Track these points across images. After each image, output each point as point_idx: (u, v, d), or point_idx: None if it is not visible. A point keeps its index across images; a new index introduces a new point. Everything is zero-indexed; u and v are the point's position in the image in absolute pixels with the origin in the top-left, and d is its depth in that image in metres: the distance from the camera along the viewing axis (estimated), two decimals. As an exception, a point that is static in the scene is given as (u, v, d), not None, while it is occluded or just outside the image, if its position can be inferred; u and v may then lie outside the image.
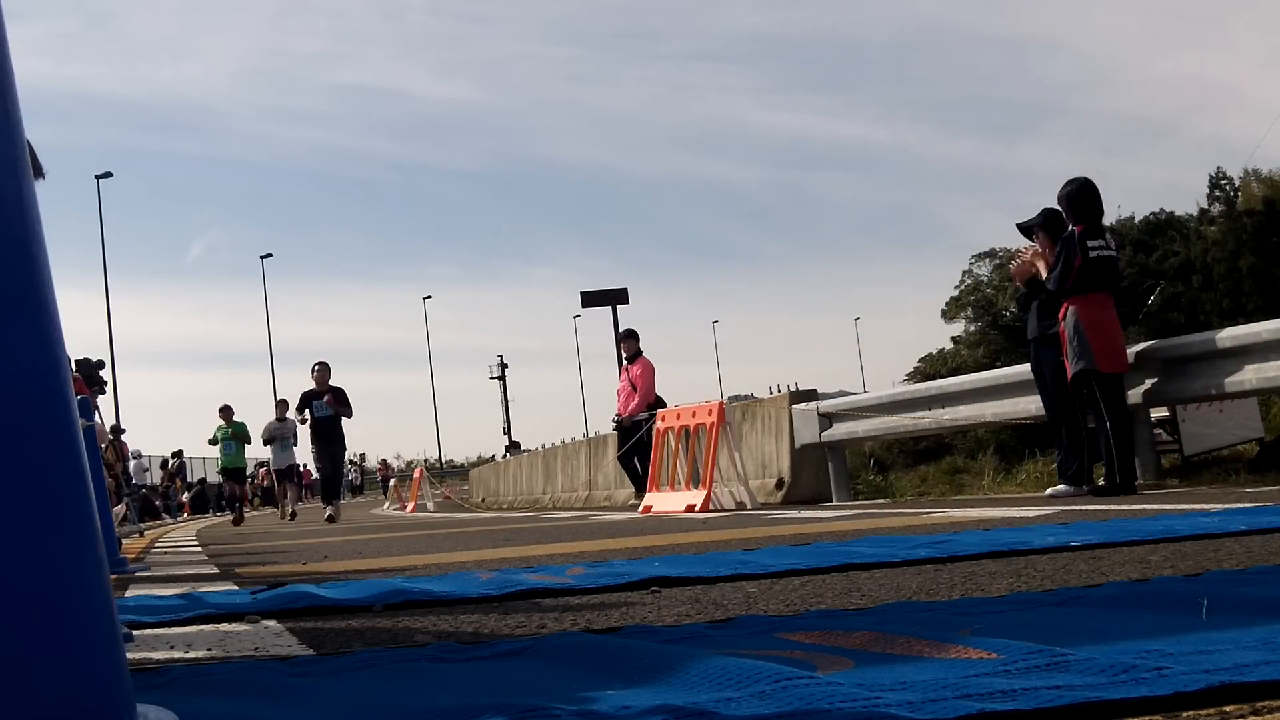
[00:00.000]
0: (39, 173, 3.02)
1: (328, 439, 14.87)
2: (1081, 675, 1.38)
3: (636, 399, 12.25)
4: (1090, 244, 6.87)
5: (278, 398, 19.34)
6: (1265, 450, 8.16)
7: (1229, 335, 6.91)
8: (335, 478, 15.47)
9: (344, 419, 15.02)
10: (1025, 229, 7.47)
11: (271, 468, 19.81)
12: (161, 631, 2.70)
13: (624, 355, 12.97)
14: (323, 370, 14.88)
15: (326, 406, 14.65)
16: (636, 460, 11.92)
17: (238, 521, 17.68)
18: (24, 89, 1.15)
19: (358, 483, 52.45)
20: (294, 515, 18.61)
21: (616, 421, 12.84)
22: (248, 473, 28.71)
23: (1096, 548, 3.27)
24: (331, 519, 14.26)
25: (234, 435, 18.55)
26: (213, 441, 18.83)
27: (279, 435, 18.52)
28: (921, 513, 6.34)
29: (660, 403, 12.15)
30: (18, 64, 1.16)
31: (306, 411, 14.81)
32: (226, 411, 18.81)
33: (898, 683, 1.42)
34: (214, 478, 40.23)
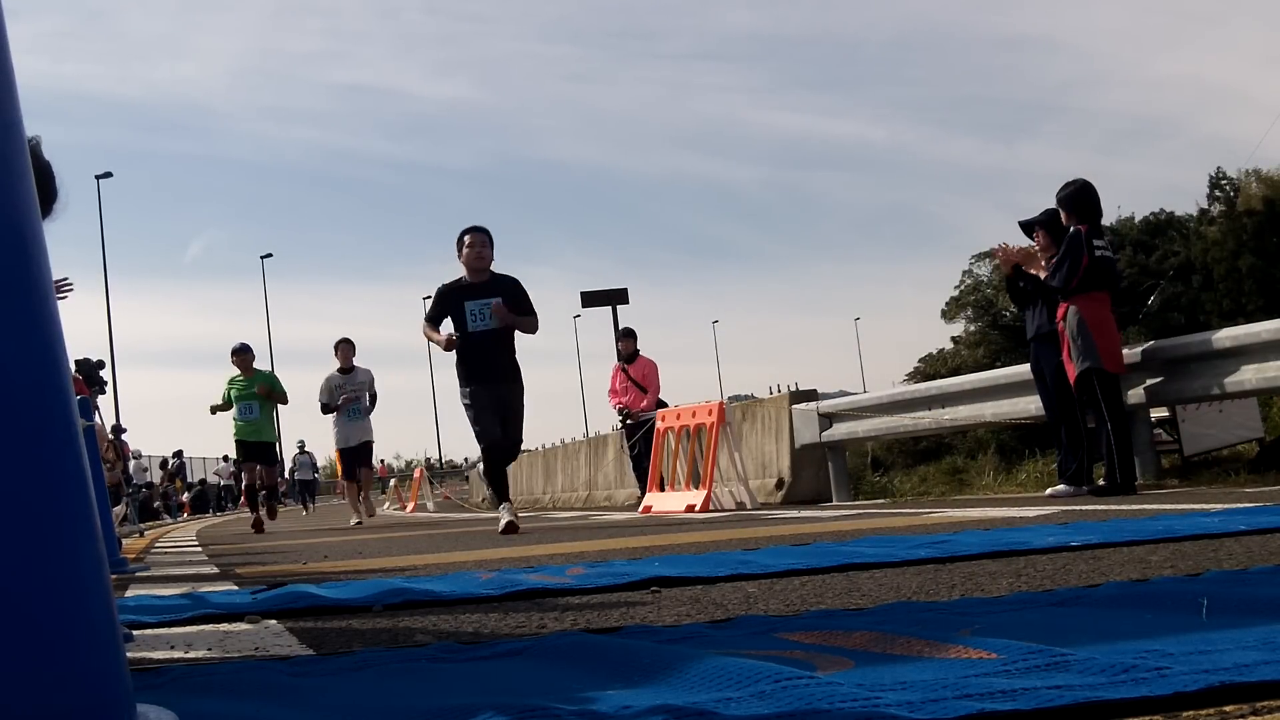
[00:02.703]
0: (52, 200, 2.96)
1: (498, 374, 7.52)
2: (1081, 675, 1.38)
3: (649, 397, 12.28)
4: (1095, 243, 6.88)
5: (340, 339, 12.72)
6: (1265, 450, 8.16)
7: (1229, 335, 6.91)
8: (512, 449, 7.82)
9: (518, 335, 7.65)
10: (1027, 226, 7.47)
11: (336, 446, 12.84)
12: (161, 631, 2.70)
13: (622, 354, 12.82)
14: (482, 242, 7.59)
15: (493, 313, 7.44)
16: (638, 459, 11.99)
17: (259, 523, 12.22)
18: (20, 88, 1.15)
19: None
20: (368, 516, 12.75)
21: (625, 413, 12.53)
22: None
23: (1096, 548, 3.27)
24: (511, 527, 7.22)
25: (259, 390, 12.09)
26: (222, 405, 12.13)
27: (346, 394, 12.41)
28: (921, 513, 6.34)
29: (660, 403, 12.20)
30: (14, 62, 1.16)
31: (445, 326, 7.55)
32: (243, 355, 12.17)
33: (898, 683, 1.42)
34: (214, 477, 40.10)
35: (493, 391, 7.56)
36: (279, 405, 12.74)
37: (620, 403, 12.52)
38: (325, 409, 12.55)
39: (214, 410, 12.21)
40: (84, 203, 38.54)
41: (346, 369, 12.60)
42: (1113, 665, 1.40)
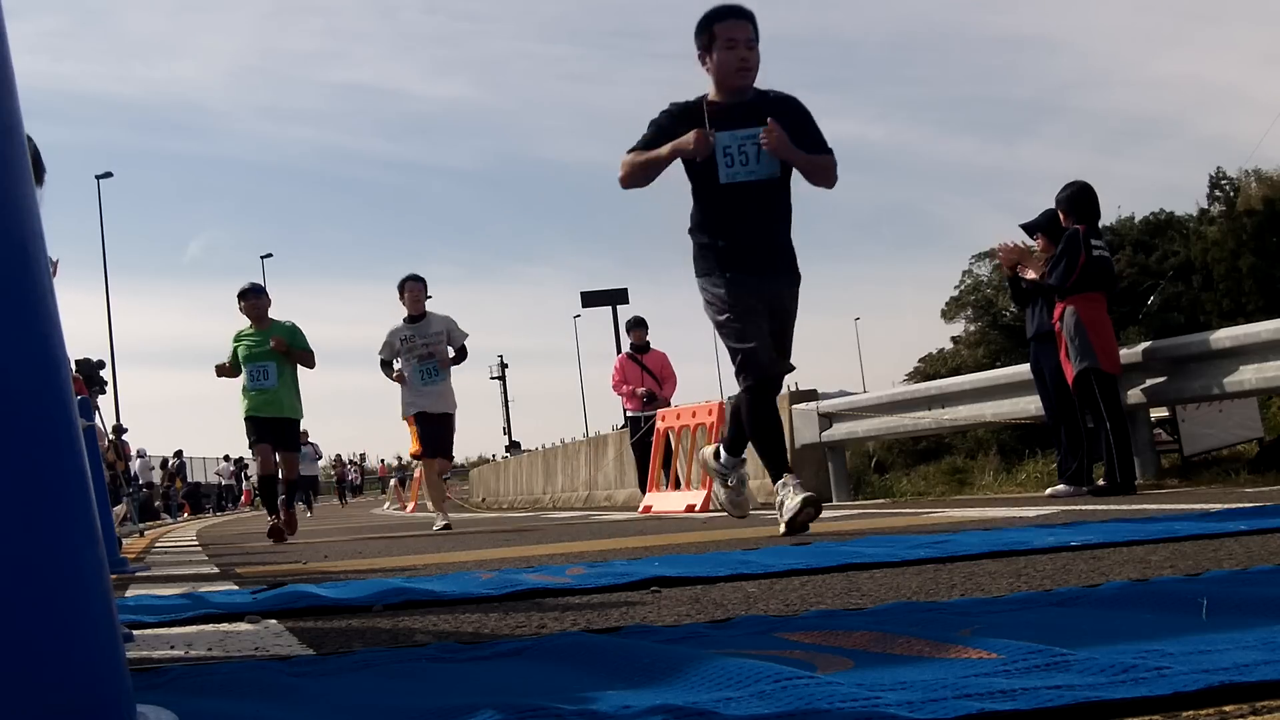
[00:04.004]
0: (40, 173, 3.02)
1: (770, 256, 4.83)
2: (1081, 675, 1.38)
3: (667, 389, 11.93)
4: (1092, 243, 6.89)
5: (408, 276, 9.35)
6: (1265, 450, 8.16)
7: (1229, 335, 6.91)
8: (779, 380, 5.08)
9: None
10: (1029, 229, 7.48)
11: (406, 414, 9.43)
12: (161, 631, 2.70)
13: (634, 344, 12.12)
14: (749, 38, 4.69)
15: (763, 142, 4.58)
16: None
17: (278, 531, 8.78)
18: (19, 87, 1.15)
19: (358, 482, 52.40)
20: (444, 524, 9.06)
21: (648, 396, 11.87)
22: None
23: (1096, 548, 3.27)
24: (808, 516, 4.56)
25: (274, 345, 8.85)
26: (229, 367, 9.00)
27: (417, 349, 9.23)
28: (921, 513, 6.34)
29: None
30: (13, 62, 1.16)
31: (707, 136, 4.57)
32: (256, 299, 9.08)
33: (898, 683, 1.42)
34: (214, 477, 40.05)
35: (764, 285, 4.68)
36: (299, 368, 9.13)
37: (636, 390, 11.86)
38: (386, 369, 9.33)
39: (220, 372, 9.02)
40: (84, 202, 38.66)
41: (415, 316, 9.31)
42: (1113, 665, 1.40)
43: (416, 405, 9.26)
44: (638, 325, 12.21)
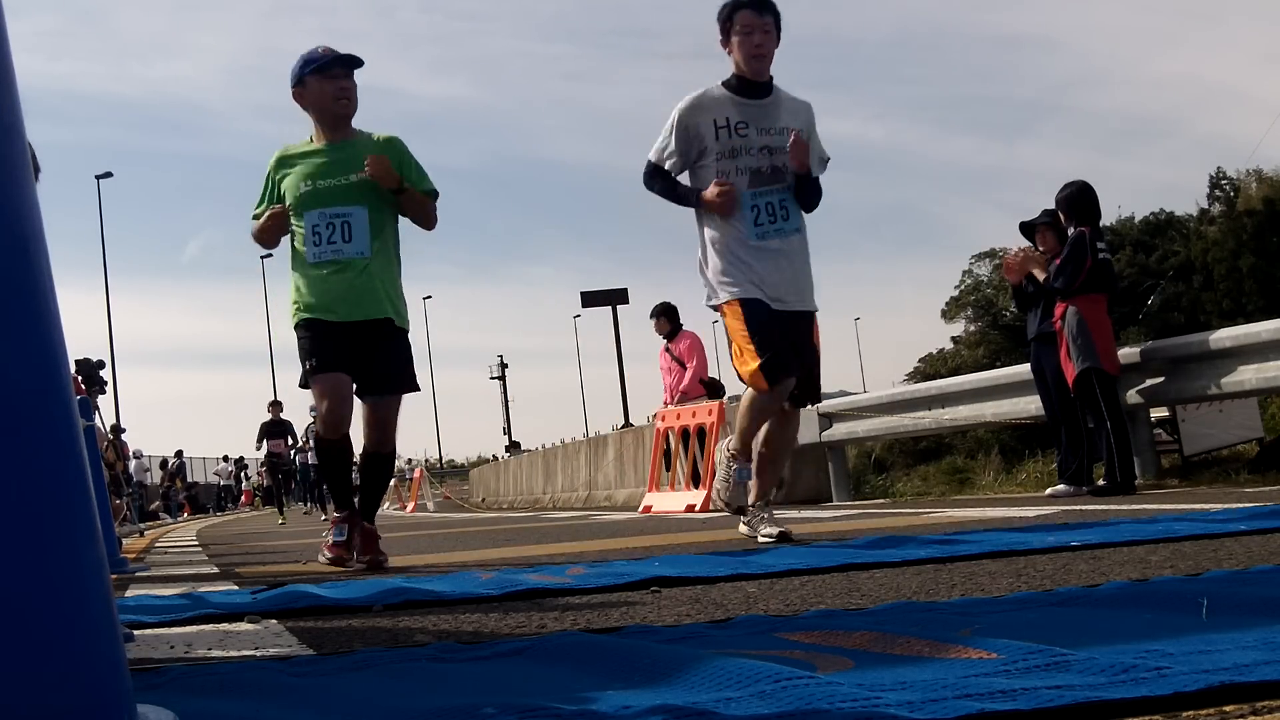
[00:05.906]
0: (35, 171, 3.01)
1: None
2: (1081, 675, 1.38)
3: (688, 376, 10.86)
4: (1096, 245, 6.90)
5: None
6: (1265, 450, 8.16)
7: (1229, 335, 6.91)
8: None
9: None
10: (1029, 228, 7.47)
11: (722, 299, 4.34)
12: (161, 631, 2.70)
13: (659, 333, 11.07)
14: None
15: None
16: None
17: (372, 548, 4.59)
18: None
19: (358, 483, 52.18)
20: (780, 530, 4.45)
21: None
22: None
23: (1096, 548, 3.27)
24: None
25: (369, 171, 4.38)
26: (272, 222, 4.64)
27: (752, 151, 4.31)
28: (921, 513, 6.34)
29: (717, 385, 10.90)
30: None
31: None
32: (339, 74, 4.56)
33: (898, 683, 1.42)
34: (214, 477, 40.00)
35: None
36: (426, 224, 4.84)
37: (667, 398, 10.97)
38: (654, 180, 4.57)
39: (262, 234, 4.89)
40: (84, 202, 38.66)
41: (756, 86, 4.46)
42: (1113, 665, 1.40)
43: (749, 280, 4.41)
44: (657, 314, 11.09)
